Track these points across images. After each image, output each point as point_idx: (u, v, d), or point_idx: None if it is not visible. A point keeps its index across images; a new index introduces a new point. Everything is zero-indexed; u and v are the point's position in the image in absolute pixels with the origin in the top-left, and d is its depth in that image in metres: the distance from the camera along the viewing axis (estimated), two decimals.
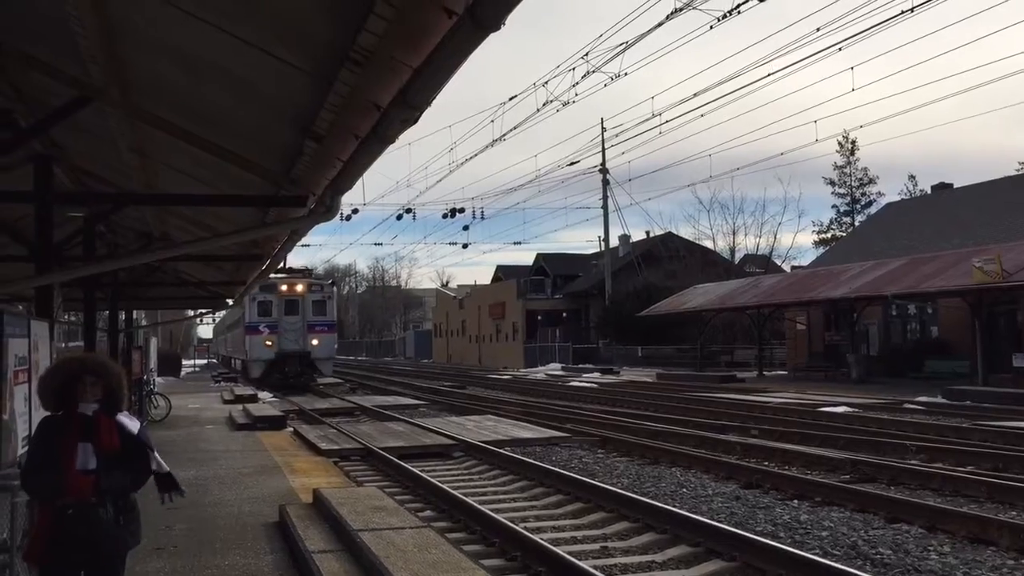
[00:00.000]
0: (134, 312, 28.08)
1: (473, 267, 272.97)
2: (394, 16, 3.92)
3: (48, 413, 5.02)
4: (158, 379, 34.82)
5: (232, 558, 8.35)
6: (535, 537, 9.36)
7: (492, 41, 3.88)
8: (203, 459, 15.07)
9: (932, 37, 62.08)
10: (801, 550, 8.73)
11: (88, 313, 15.00)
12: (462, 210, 60.25)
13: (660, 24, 29.74)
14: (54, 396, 4.90)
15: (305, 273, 41.89)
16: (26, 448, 6.96)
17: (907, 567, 8.57)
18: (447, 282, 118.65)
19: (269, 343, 38.17)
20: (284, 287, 38.49)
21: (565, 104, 37.47)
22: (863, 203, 73.29)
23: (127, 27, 6.01)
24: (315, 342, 38.29)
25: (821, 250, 65.27)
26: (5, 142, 8.23)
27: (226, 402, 28.85)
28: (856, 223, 68.57)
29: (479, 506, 11.01)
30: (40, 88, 7.95)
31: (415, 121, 4.91)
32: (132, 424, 4.94)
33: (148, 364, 28.18)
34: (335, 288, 43.02)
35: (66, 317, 27.14)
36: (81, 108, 7.17)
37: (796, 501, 11.71)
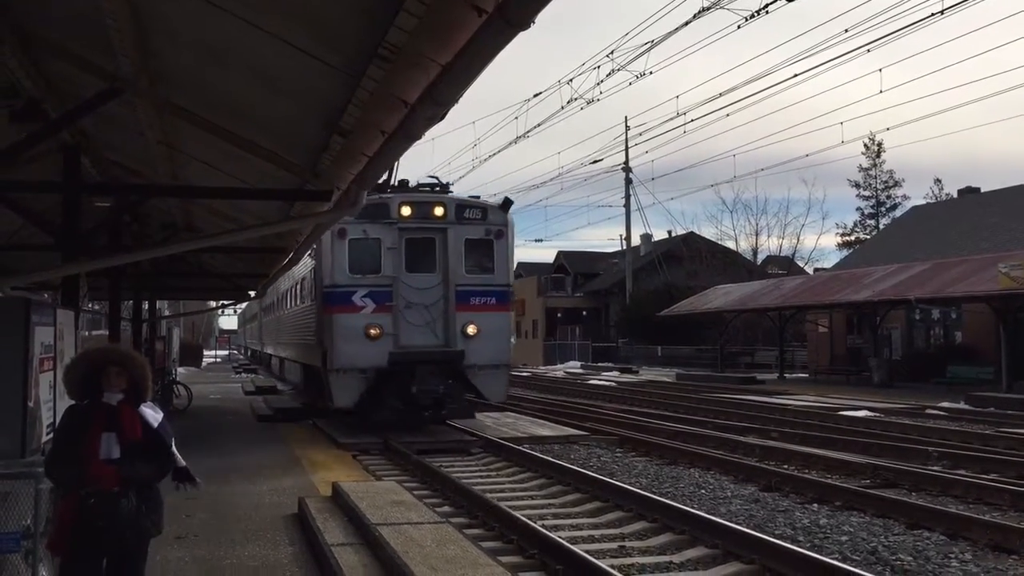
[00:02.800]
0: (157, 302, 28.26)
1: None
2: (424, 13, 3.92)
3: (73, 402, 5.09)
4: (180, 369, 35.11)
5: (251, 549, 8.41)
6: (553, 535, 9.36)
7: (518, 38, 3.87)
8: (224, 450, 15.16)
9: (962, 40, 61.42)
10: (820, 554, 8.68)
11: (113, 302, 15.13)
12: None
13: (687, 23, 29.54)
14: (79, 386, 4.97)
15: (441, 188, 20.01)
16: (50, 436, 7.03)
17: (927, 574, 8.50)
18: None
19: (375, 332, 17.41)
20: (407, 209, 18.09)
21: (589, 102, 37.29)
22: (888, 206, 72.71)
23: (158, 19, 6.05)
24: (472, 329, 17.87)
25: (844, 252, 64.81)
26: (34, 132, 8.31)
27: (247, 393, 29.02)
28: (881, 226, 68.03)
29: (497, 503, 11.02)
30: (69, 79, 8.01)
31: (441, 118, 4.92)
32: (155, 415, 4.99)
33: (170, 354, 28.42)
34: (510, 218, 19.38)
35: (91, 306, 27.38)
36: (110, 99, 7.22)
37: (816, 505, 11.64)
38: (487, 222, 18.47)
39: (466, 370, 17.77)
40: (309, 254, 18.33)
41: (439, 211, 18.08)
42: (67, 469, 4.78)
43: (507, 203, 19.09)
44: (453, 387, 17.86)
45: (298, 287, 23.25)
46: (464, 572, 6.57)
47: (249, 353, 62.35)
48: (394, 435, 16.68)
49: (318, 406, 20.25)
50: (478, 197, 20.26)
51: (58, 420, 6.10)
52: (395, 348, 17.25)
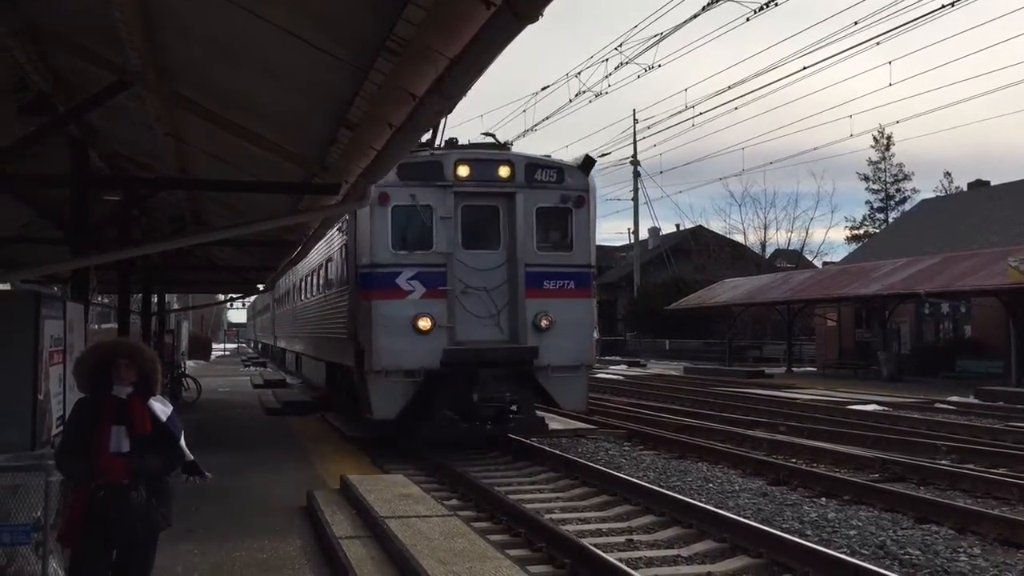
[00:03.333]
0: (166, 295, 28.35)
1: None
2: (432, 6, 3.92)
3: (83, 395, 5.11)
4: (189, 362, 35.22)
5: (260, 541, 8.43)
6: (560, 528, 9.37)
7: (526, 31, 3.87)
8: (233, 443, 15.21)
9: (972, 32, 61.04)
10: (828, 548, 8.67)
11: (122, 296, 15.16)
12: None
13: (695, 16, 29.47)
14: (89, 379, 4.99)
15: (502, 146, 16.96)
16: (60, 428, 7.06)
17: (936, 568, 8.48)
18: None
19: (425, 324, 14.03)
20: (465, 168, 14.59)
21: (598, 95, 37.25)
22: (897, 199, 72.37)
23: (166, 13, 6.05)
24: (545, 321, 14.47)
25: (853, 246, 64.58)
26: (43, 126, 8.33)
27: (256, 386, 29.08)
28: (890, 219, 67.77)
29: (505, 496, 11.04)
30: (78, 73, 8.03)
31: (449, 111, 4.92)
32: (164, 408, 5.00)
33: (179, 347, 28.50)
34: (592, 182, 15.43)
35: (100, 299, 27.47)
36: (118, 93, 7.24)
37: (824, 499, 11.62)
38: (564, 186, 14.71)
39: (537, 372, 14.23)
40: (338, 228, 15.74)
41: (505, 171, 14.43)
42: (77, 462, 4.80)
43: (588, 162, 15.26)
44: (522, 394, 14.15)
45: (322, 271, 19.54)
46: (472, 565, 6.58)
47: (259, 347, 60.13)
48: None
49: (328, 406, 18.69)
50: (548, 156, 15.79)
51: (68, 413, 6.12)
52: (450, 344, 13.76)
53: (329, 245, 17.81)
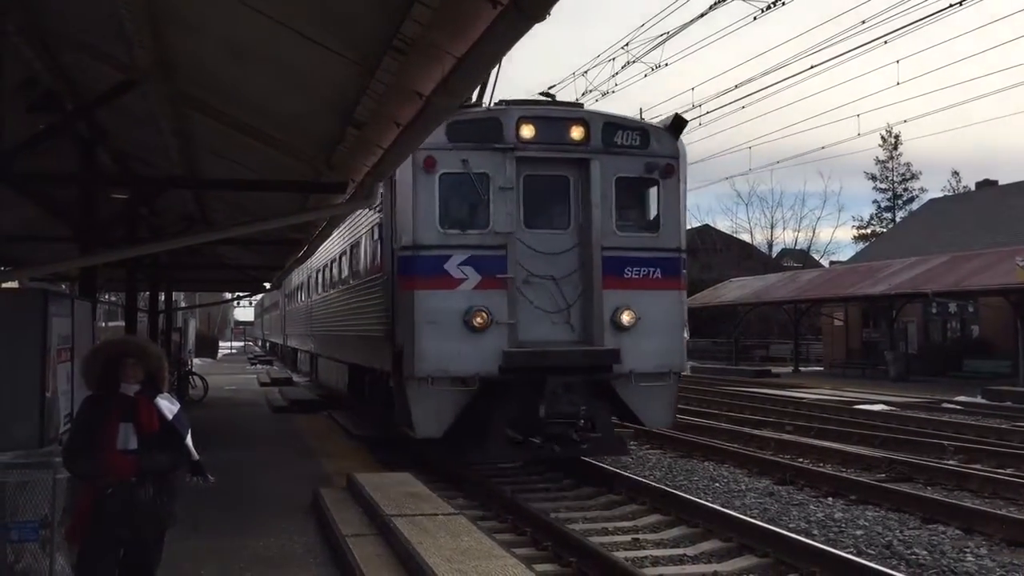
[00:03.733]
0: (173, 293, 28.42)
1: None
2: (440, 5, 3.92)
3: (91, 393, 5.14)
4: (196, 360, 35.31)
5: (267, 539, 8.45)
6: (566, 528, 9.38)
7: (532, 29, 3.86)
8: (239, 441, 15.24)
9: (980, 31, 60.84)
10: (835, 548, 8.66)
11: (130, 294, 15.21)
12: None
13: (703, 15, 29.36)
14: (96, 377, 5.03)
15: (573, 105, 13.71)
16: (67, 426, 7.09)
17: (943, 568, 8.47)
18: None
19: (480, 320, 11.45)
20: (528, 128, 11.90)
21: (605, 94, 37.20)
22: (905, 199, 72.19)
23: (174, 11, 6.06)
24: (628, 317, 11.95)
25: (860, 246, 64.46)
26: (51, 124, 8.36)
27: (262, 384, 29.13)
28: (897, 219, 67.61)
29: (510, 495, 11.05)
30: (86, 71, 8.05)
31: (456, 110, 4.92)
32: (171, 407, 5.03)
33: (186, 345, 28.57)
34: (682, 147, 12.59)
35: (108, 297, 27.55)
36: (126, 92, 7.26)
37: (831, 499, 11.61)
38: (649, 152, 12.16)
39: (616, 380, 11.81)
40: (378, 205, 12.51)
41: (578, 133, 11.83)
42: (85, 459, 4.83)
43: (679, 123, 12.62)
44: (597, 407, 11.67)
45: (346, 258, 16.75)
46: (478, 563, 6.59)
47: (267, 346, 56.54)
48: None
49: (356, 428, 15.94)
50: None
51: (76, 411, 6.15)
52: (511, 345, 11.34)
53: (354, 227, 15.29)
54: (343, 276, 17.27)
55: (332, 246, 17.54)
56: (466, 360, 11.25)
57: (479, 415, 11.36)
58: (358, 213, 13.52)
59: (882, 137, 67.30)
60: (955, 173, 71.11)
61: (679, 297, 12.51)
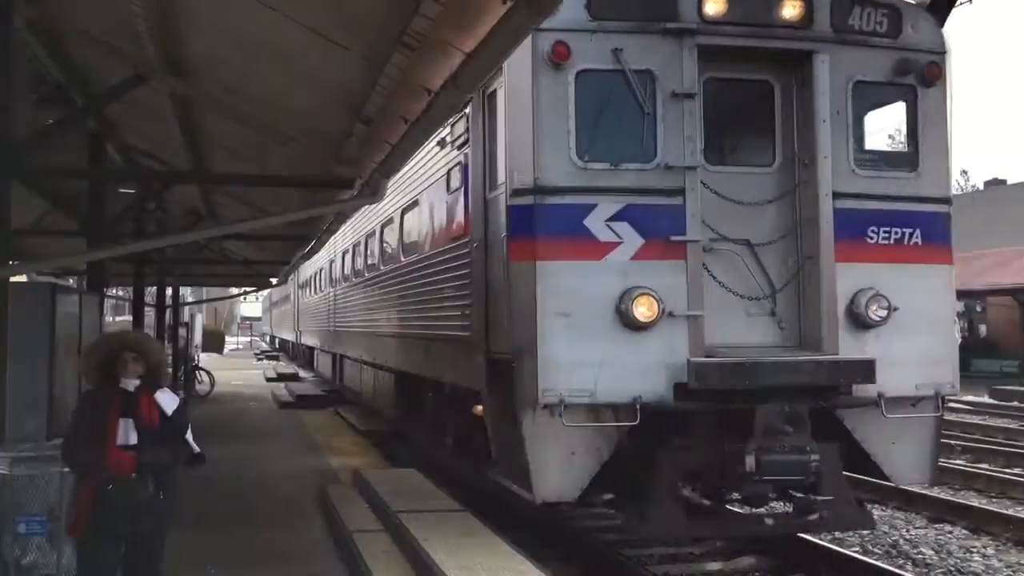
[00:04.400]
0: (180, 288, 28.48)
1: None
2: (449, 0, 3.92)
3: (90, 388, 5.13)
4: (202, 355, 35.39)
5: (273, 534, 8.46)
6: (571, 524, 9.37)
7: None
8: (246, 436, 15.26)
9: (990, 29, 60.55)
10: (841, 547, 8.64)
11: (137, 288, 15.24)
12: None
13: None
14: (96, 372, 4.99)
15: None
16: None
17: (949, 568, 8.45)
18: None
19: (646, 310, 6.93)
20: (716, 2, 7.21)
21: None
22: None
23: (183, 7, 6.07)
24: (875, 309, 7.36)
25: None
26: (60, 119, 8.38)
27: (268, 380, 29.16)
28: None
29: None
30: (95, 67, 8.07)
31: (465, 106, 4.91)
32: (171, 401, 4.99)
33: (193, 340, 28.63)
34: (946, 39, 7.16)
35: (115, 292, 27.62)
36: (135, 87, 7.27)
37: None
38: (901, 43, 7.85)
39: (849, 410, 7.56)
40: (445, 137, 9.02)
41: (793, 8, 7.55)
42: (85, 454, 4.80)
43: (944, 3, 9.19)
44: (828, 453, 7.27)
45: (394, 227, 12.32)
46: (484, 560, 6.58)
47: (276, 343, 51.03)
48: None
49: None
50: None
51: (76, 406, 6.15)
52: (697, 353, 7.16)
53: (409, 183, 10.92)
54: (389, 252, 12.83)
55: (378, 211, 12.86)
56: (621, 376, 7.03)
57: (639, 464, 7.21)
58: (423, 156, 9.59)
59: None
60: (964, 172, 70.85)
61: (948, 276, 8.12)
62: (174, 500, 5.00)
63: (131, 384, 4.86)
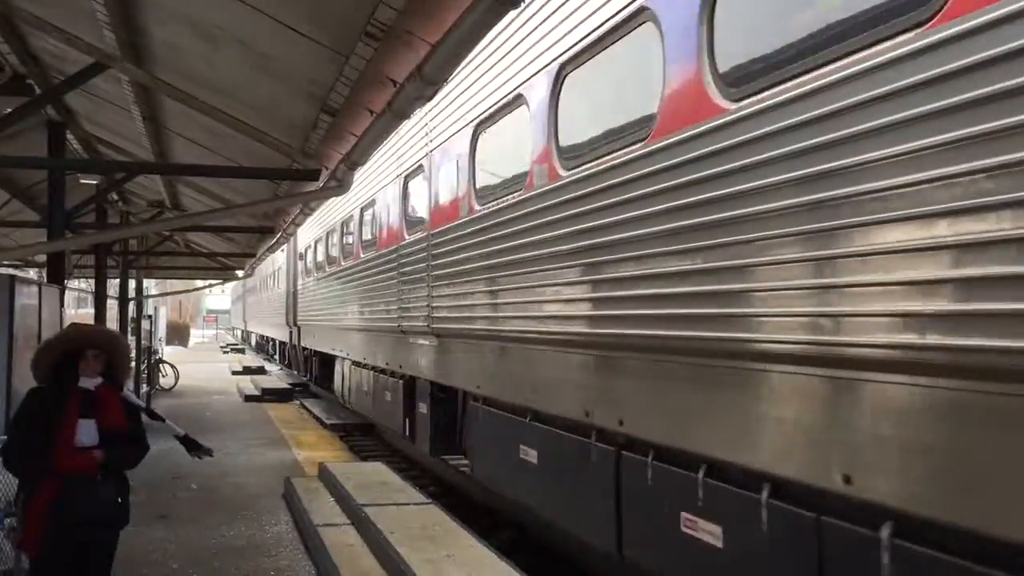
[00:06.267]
0: (144, 281, 28.16)
1: None
2: None
3: (37, 386, 4.73)
4: (167, 348, 35.04)
5: (237, 528, 8.41)
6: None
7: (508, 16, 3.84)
8: (210, 430, 15.14)
9: None
10: None
11: (99, 280, 15.05)
12: None
13: None
14: (52, 369, 4.63)
15: None
16: None
17: None
18: None
19: None
20: None
21: None
22: None
23: None
24: None
25: None
26: (19, 107, 8.24)
27: (234, 373, 28.97)
28: None
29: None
30: (55, 55, 7.95)
31: (430, 98, 4.88)
32: (135, 399, 4.80)
33: (157, 333, 28.33)
34: None
35: (77, 283, 27.26)
36: (95, 75, 7.16)
37: None
38: None
39: None
40: None
41: None
42: (35, 460, 4.41)
43: None
44: None
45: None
46: (450, 552, 6.58)
47: (251, 341, 46.25)
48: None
49: None
50: None
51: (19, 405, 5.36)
52: None
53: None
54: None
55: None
56: None
57: None
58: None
59: None
60: None
61: None
62: (128, 503, 4.70)
63: (91, 383, 4.56)
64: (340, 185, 7.26)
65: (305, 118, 6.85)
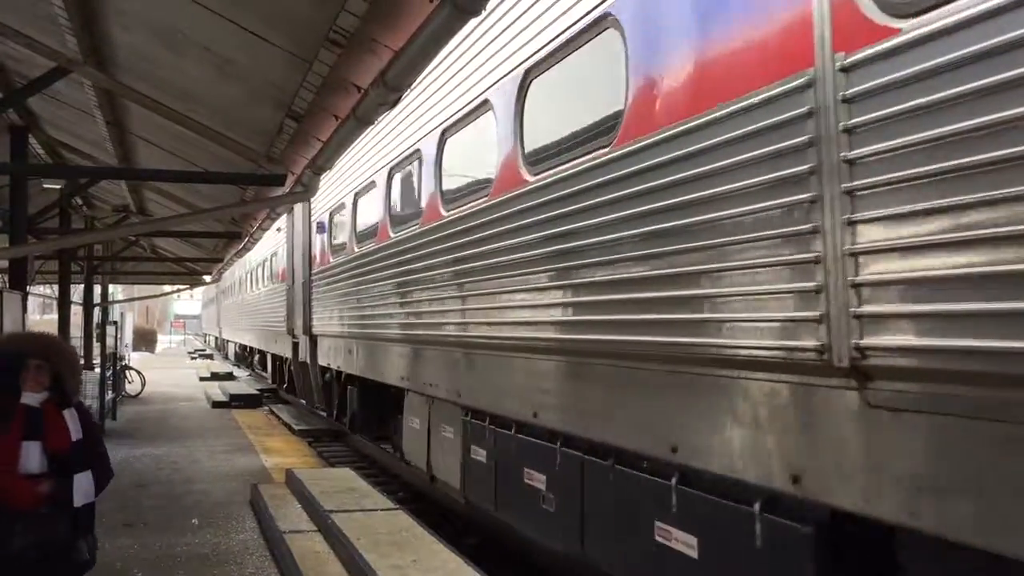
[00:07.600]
0: (109, 286, 27.88)
1: None
2: None
3: None
4: (133, 354, 34.70)
5: (203, 536, 8.33)
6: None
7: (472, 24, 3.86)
8: (176, 436, 15.00)
9: None
10: None
11: (63, 286, 14.91)
12: None
13: None
14: None
15: None
16: None
17: None
18: None
19: None
20: None
21: None
22: None
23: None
24: None
25: None
26: None
27: (202, 379, 28.70)
28: None
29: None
30: (17, 59, 7.87)
31: (394, 104, 4.90)
32: (85, 417, 4.13)
33: (123, 339, 28.06)
34: None
35: (41, 290, 26.94)
36: (58, 79, 7.10)
37: None
38: None
39: None
40: None
41: None
42: None
43: None
44: None
45: None
46: (417, 558, 6.57)
47: (229, 352, 38.87)
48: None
49: None
50: None
51: None
52: None
53: None
54: None
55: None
56: None
57: None
58: None
59: None
60: None
61: None
62: (94, 539, 4.06)
63: (36, 399, 3.90)
64: (306, 190, 7.26)
65: (270, 124, 6.85)
